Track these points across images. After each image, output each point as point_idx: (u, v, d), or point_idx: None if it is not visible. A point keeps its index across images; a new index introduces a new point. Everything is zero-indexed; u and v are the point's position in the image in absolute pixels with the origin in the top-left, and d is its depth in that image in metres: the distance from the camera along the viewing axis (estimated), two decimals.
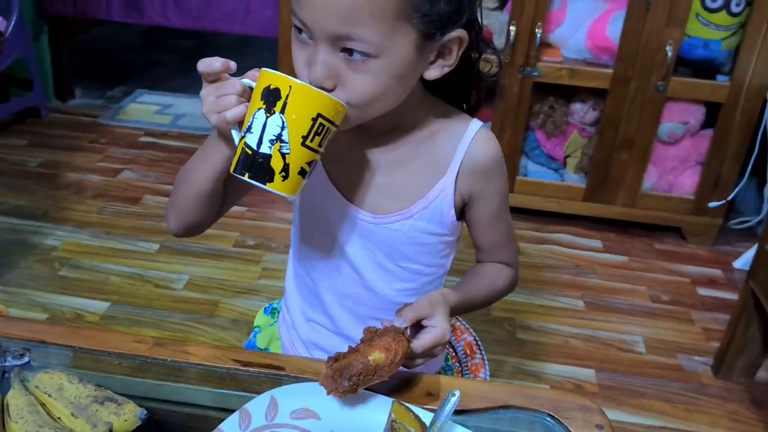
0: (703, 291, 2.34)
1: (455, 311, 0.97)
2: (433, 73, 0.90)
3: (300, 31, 0.85)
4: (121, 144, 3.06)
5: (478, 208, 1.03)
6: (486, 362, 1.36)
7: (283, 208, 2.61)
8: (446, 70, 0.91)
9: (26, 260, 2.20)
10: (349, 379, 0.81)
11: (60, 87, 3.43)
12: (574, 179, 2.65)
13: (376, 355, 0.82)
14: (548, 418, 0.91)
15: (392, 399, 0.86)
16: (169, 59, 4.24)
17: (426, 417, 0.84)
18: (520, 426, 0.92)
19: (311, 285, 1.10)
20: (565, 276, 2.35)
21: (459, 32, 0.87)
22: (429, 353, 0.89)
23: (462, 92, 1.04)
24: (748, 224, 2.71)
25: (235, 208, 2.76)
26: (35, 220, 2.44)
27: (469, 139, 0.99)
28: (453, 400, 0.84)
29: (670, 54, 2.34)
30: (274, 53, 2.79)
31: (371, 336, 0.86)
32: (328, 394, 0.83)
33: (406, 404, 0.85)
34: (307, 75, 0.84)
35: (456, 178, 0.99)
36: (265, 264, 2.28)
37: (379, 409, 0.87)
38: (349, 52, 0.82)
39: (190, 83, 3.87)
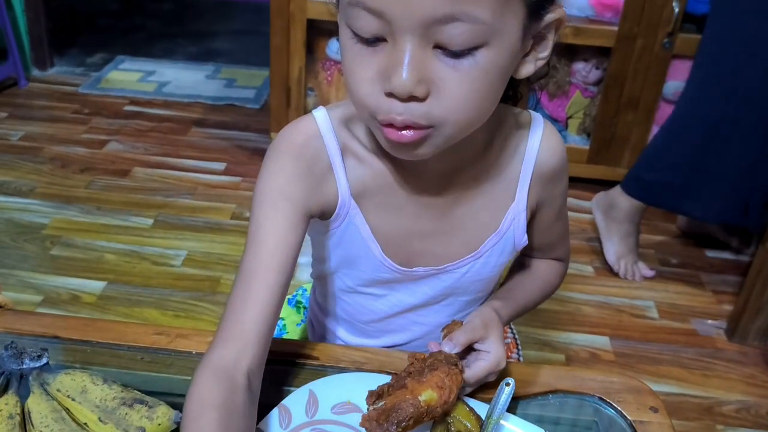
0: (711, 253, 2.31)
1: (506, 323, 0.88)
2: (527, 69, 0.71)
3: (363, 39, 0.64)
4: (105, 114, 2.95)
5: (541, 214, 0.90)
6: (518, 342, 1.30)
7: None
8: (540, 64, 0.71)
9: (15, 240, 2.11)
10: (397, 425, 0.70)
11: (38, 55, 3.29)
12: (576, 141, 2.59)
13: (428, 395, 0.72)
14: (600, 402, 0.86)
15: None
16: (149, 23, 4.10)
17: (480, 409, 0.79)
18: (571, 411, 0.88)
19: (349, 320, 0.97)
20: (572, 241, 2.27)
21: (559, 11, 0.67)
22: (482, 381, 0.79)
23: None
24: None
25: (229, 179, 2.67)
26: (21, 197, 2.34)
27: (536, 145, 0.82)
28: (507, 390, 0.79)
29: (676, 10, 2.26)
30: (260, 16, 2.67)
31: (420, 367, 0.75)
32: None
33: (460, 396, 0.79)
34: (385, 86, 0.63)
35: (527, 198, 0.85)
36: None
37: None
38: (445, 48, 0.62)
39: (173, 48, 3.74)
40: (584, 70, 2.50)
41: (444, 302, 0.92)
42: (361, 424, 0.73)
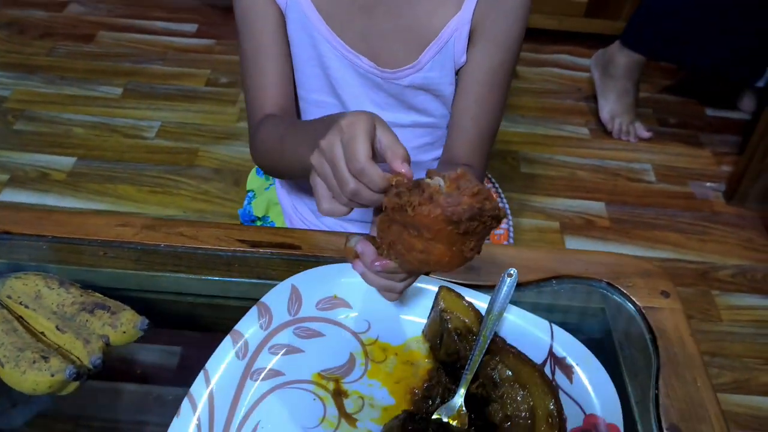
0: (711, 111, 2.21)
1: None
2: None
3: None
4: None
5: (478, 52, 0.83)
6: (507, 210, 1.24)
7: None
8: None
9: None
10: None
11: None
12: None
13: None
14: (607, 287, 0.80)
15: (438, 281, 0.73)
16: None
17: (477, 298, 0.72)
18: (575, 298, 0.82)
19: None
20: (567, 101, 2.19)
21: None
22: None
23: None
24: None
25: (202, 42, 2.48)
26: None
27: None
28: (509, 281, 0.72)
29: None
30: None
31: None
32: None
33: (456, 288, 0.72)
34: None
35: (473, 13, 0.82)
36: (243, 104, 2.05)
37: (422, 293, 0.74)
38: None
39: None
40: None
41: (399, 123, 0.90)
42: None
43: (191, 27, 2.41)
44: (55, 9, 2.47)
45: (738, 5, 1.82)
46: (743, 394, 1.44)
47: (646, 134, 2.05)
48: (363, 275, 0.65)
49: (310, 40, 0.84)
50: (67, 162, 1.82)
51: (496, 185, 1.29)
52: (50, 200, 1.69)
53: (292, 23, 0.84)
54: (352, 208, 0.59)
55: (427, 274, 0.74)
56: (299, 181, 0.99)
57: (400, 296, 0.68)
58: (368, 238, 0.63)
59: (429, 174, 0.56)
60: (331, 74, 0.86)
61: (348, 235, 0.65)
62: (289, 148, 0.76)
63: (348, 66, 0.85)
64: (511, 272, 0.72)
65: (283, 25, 0.85)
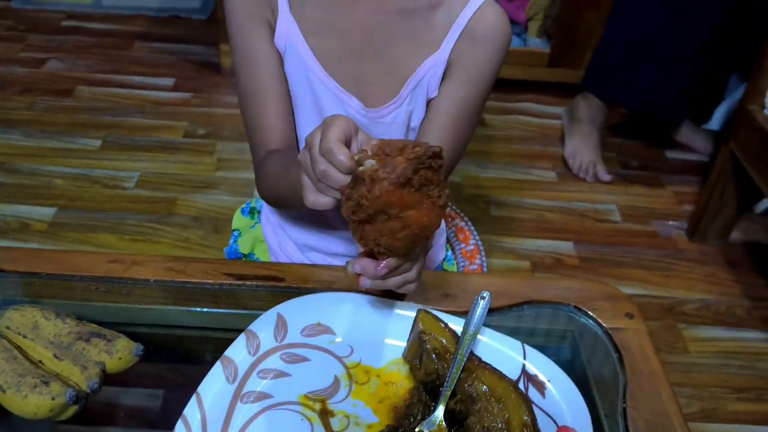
0: (670, 154, 2.31)
1: None
2: None
3: None
4: (42, 30, 2.76)
5: (448, 85, 0.89)
6: (481, 248, 1.29)
7: (231, 92, 2.43)
8: None
9: None
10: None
11: None
12: (537, 44, 2.52)
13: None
14: (575, 311, 0.85)
15: (416, 306, 0.78)
16: None
17: (454, 323, 0.77)
18: (546, 321, 0.86)
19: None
20: (534, 147, 2.28)
21: None
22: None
23: None
24: None
25: (179, 95, 2.55)
26: None
27: (473, 8, 0.87)
28: (483, 303, 0.77)
29: None
30: None
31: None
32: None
33: (433, 312, 0.77)
34: None
35: (450, 53, 0.88)
36: (220, 154, 2.13)
37: (402, 318, 0.78)
38: None
39: None
40: None
41: None
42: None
43: (168, 81, 2.48)
44: (34, 65, 2.52)
45: (683, 54, 1.98)
46: (712, 422, 1.48)
47: (606, 177, 2.13)
48: (375, 286, 0.70)
49: (306, 82, 0.89)
50: (47, 212, 1.85)
51: (470, 224, 1.34)
52: None
53: (290, 66, 0.89)
54: (335, 199, 0.63)
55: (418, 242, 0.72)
56: (286, 218, 1.03)
57: (419, 283, 0.75)
58: (360, 255, 0.68)
59: (358, 163, 0.60)
60: (325, 115, 0.90)
61: (346, 265, 0.71)
62: (292, 178, 0.79)
63: (340, 107, 0.90)
64: (484, 295, 0.77)
65: (282, 66, 0.89)
